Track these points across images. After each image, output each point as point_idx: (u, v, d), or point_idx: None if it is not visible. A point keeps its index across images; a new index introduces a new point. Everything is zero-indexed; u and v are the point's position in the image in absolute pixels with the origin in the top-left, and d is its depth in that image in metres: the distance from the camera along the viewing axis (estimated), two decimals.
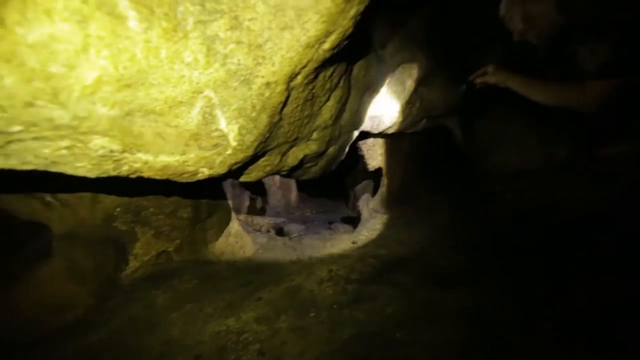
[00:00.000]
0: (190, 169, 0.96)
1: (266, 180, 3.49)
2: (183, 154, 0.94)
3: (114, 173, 0.85)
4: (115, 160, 0.82)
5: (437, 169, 3.43)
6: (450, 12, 2.29)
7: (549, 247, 2.03)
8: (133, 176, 0.90)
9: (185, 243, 2.03)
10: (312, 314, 1.64)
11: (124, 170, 0.85)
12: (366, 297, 1.71)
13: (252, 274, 2.11)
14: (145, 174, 0.90)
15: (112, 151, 0.79)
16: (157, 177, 0.93)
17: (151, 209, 1.91)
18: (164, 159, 0.90)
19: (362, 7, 0.83)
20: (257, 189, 4.00)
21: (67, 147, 0.76)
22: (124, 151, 0.81)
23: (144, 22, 0.67)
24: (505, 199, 3.03)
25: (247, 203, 3.56)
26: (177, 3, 0.70)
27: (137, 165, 0.86)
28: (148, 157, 0.86)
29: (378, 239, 2.40)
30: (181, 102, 0.84)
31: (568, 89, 1.12)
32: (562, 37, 1.03)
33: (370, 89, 1.72)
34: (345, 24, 0.85)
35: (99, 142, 0.76)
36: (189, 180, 1.02)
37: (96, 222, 1.62)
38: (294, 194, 3.37)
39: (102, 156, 0.78)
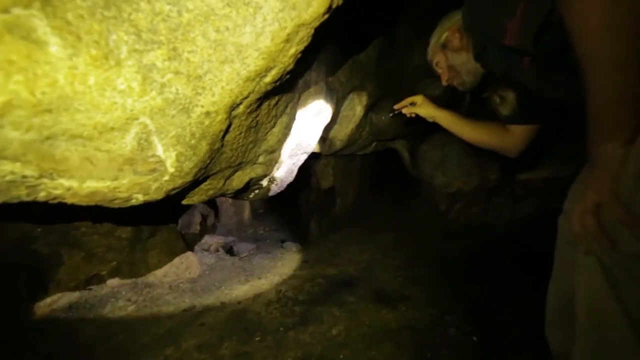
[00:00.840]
0: (123, 195, 0.92)
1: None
2: (115, 179, 0.90)
3: (28, 199, 0.78)
4: (29, 186, 0.76)
5: (387, 188, 3.62)
6: (397, 46, 2.49)
7: (480, 264, 2.24)
8: (53, 202, 0.84)
9: (123, 265, 1.88)
10: (258, 338, 1.61)
11: (41, 196, 0.79)
12: (313, 319, 1.72)
13: (197, 297, 2.02)
14: (69, 201, 0.84)
15: (24, 177, 0.73)
16: (83, 204, 0.87)
17: (83, 229, 1.75)
18: (92, 184, 0.86)
19: (301, 47, 0.88)
20: (211, 204, 3.86)
21: None
22: (41, 177, 0.75)
23: (69, 49, 0.64)
24: (448, 217, 3.29)
25: (197, 220, 3.42)
26: (109, 31, 0.69)
27: (57, 192, 0.80)
28: (72, 183, 0.81)
29: (329, 258, 2.43)
30: (113, 128, 0.81)
31: (493, 131, 1.19)
32: (481, 84, 1.09)
33: (320, 114, 1.79)
34: (286, 61, 0.89)
35: (7, 168, 0.70)
36: (121, 206, 0.97)
37: (5, 246, 1.43)
38: (247, 212, 3.31)
39: (10, 182, 0.72)
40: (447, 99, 2.97)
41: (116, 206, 0.96)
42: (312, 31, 0.84)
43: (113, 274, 1.87)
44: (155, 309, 1.80)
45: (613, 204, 0.59)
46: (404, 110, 1.34)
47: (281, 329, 1.68)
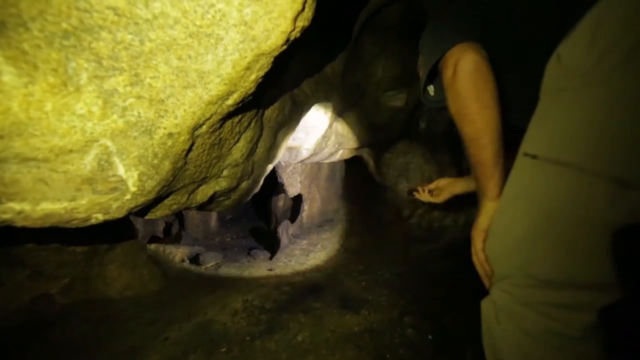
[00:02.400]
0: (81, 215, 0.91)
1: None
2: (73, 200, 0.89)
3: None
4: None
5: (354, 195, 3.75)
6: (362, 59, 2.61)
7: (439, 266, 2.40)
8: (1, 225, 0.81)
9: (77, 282, 1.78)
10: (224, 349, 1.62)
11: None
12: (279, 327, 1.76)
13: (161, 310, 1.98)
14: (19, 224, 0.82)
15: None
16: (36, 227, 0.86)
17: (29, 245, 1.64)
18: (47, 206, 0.84)
19: (262, 73, 0.94)
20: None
21: None
22: None
23: (25, 77, 0.65)
24: (410, 222, 3.47)
25: (161, 229, 3.31)
26: (67, 59, 0.69)
27: (6, 216, 0.78)
28: (24, 207, 0.80)
29: (295, 265, 2.49)
30: (71, 150, 0.81)
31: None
32: None
33: (285, 126, 1.84)
34: (247, 85, 0.94)
35: None
36: (79, 226, 0.95)
37: None
38: (213, 219, 3.26)
39: None
40: (410, 110, 3.16)
41: (73, 227, 0.94)
42: (272, 59, 0.90)
43: (65, 292, 1.76)
44: (115, 326, 1.74)
45: (479, 252, 0.73)
46: (429, 199, 1.22)
47: (247, 338, 1.70)
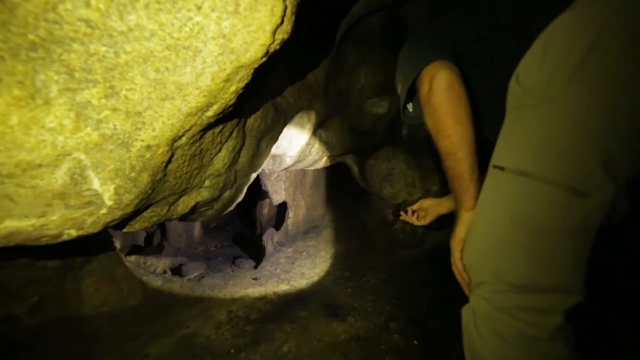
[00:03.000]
0: (52, 232, 0.87)
1: None
2: (42, 216, 0.85)
3: None
4: None
5: (339, 201, 3.75)
6: (345, 67, 2.64)
7: (424, 271, 2.43)
8: None
9: (47, 300, 1.68)
10: None
11: None
12: (264, 338, 1.73)
13: (141, 326, 1.91)
14: None
15: None
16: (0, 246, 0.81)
17: None
18: (12, 224, 0.80)
19: (242, 84, 0.93)
20: None
21: None
22: None
23: None
24: (395, 228, 3.50)
25: (142, 239, 3.21)
26: (35, 72, 0.67)
27: None
28: None
29: (281, 274, 2.46)
30: (40, 165, 0.77)
31: None
32: None
33: (268, 134, 1.84)
34: (227, 97, 0.93)
35: None
36: (50, 243, 0.91)
37: None
38: (197, 227, 3.19)
39: None
40: (393, 117, 3.21)
41: (43, 244, 0.90)
42: (252, 71, 0.89)
43: (33, 311, 1.64)
44: (91, 345, 1.66)
45: (457, 261, 0.76)
46: (414, 222, 1.19)
47: (232, 351, 1.67)
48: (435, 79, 0.69)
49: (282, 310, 1.97)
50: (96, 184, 0.89)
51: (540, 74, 0.59)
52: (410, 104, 0.84)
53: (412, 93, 0.80)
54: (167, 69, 0.79)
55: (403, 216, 1.24)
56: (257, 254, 2.65)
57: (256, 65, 0.87)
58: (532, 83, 0.60)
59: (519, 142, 0.62)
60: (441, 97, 0.68)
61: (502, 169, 0.64)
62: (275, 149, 2.23)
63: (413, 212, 1.20)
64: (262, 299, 2.10)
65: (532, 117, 0.60)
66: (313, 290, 2.22)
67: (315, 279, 2.37)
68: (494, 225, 0.65)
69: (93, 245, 1.99)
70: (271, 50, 0.85)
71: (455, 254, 0.76)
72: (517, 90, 0.63)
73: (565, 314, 0.61)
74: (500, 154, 0.66)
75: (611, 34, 0.53)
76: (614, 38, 0.53)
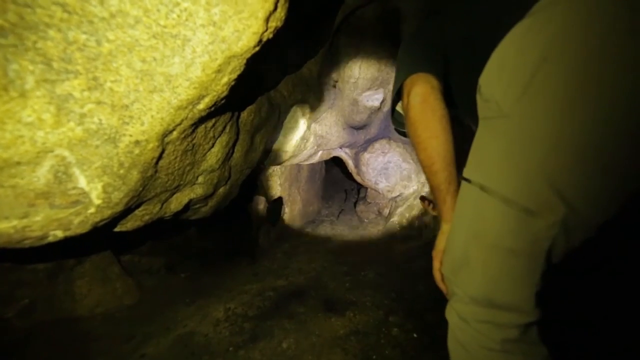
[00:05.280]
0: (35, 234, 0.83)
1: None
2: (25, 217, 0.81)
3: None
4: None
5: (335, 194, 3.73)
6: (339, 60, 2.60)
7: (421, 264, 2.43)
8: None
9: (39, 302, 1.64)
10: None
11: None
12: (263, 335, 1.71)
13: (137, 326, 1.87)
14: None
15: None
16: None
17: None
18: None
19: (235, 76, 0.89)
20: None
21: None
22: None
23: None
24: (392, 221, 3.50)
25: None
26: (7, 61, 0.62)
27: None
28: None
29: (278, 270, 2.43)
30: (19, 163, 0.73)
31: None
32: None
33: (263, 129, 1.79)
34: (219, 89, 0.89)
35: None
36: (34, 246, 0.87)
37: None
38: (192, 224, 3.14)
39: None
40: (386, 111, 3.18)
41: (27, 246, 0.86)
42: (245, 61, 0.85)
43: (25, 314, 1.60)
44: (85, 346, 1.63)
45: (436, 271, 0.75)
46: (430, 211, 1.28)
47: (230, 348, 1.64)
48: (411, 93, 0.68)
49: (281, 306, 1.95)
50: (82, 182, 0.84)
51: (497, 86, 0.56)
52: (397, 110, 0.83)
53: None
54: (155, 59, 0.75)
55: (423, 205, 1.26)
56: (253, 250, 2.62)
57: (249, 55, 0.83)
58: (490, 96, 0.58)
59: (482, 155, 0.61)
60: (415, 110, 0.67)
61: (468, 181, 0.63)
62: (269, 145, 2.19)
63: (429, 202, 1.23)
64: (260, 295, 2.08)
65: (491, 131, 0.59)
66: (311, 285, 2.20)
67: (313, 274, 2.35)
68: (459, 238, 0.65)
69: (85, 245, 1.94)
70: (264, 39, 0.81)
71: (435, 264, 0.75)
72: (480, 101, 0.61)
73: (522, 328, 0.59)
74: (468, 166, 0.65)
75: (562, 43, 0.48)
76: (565, 48, 0.48)
